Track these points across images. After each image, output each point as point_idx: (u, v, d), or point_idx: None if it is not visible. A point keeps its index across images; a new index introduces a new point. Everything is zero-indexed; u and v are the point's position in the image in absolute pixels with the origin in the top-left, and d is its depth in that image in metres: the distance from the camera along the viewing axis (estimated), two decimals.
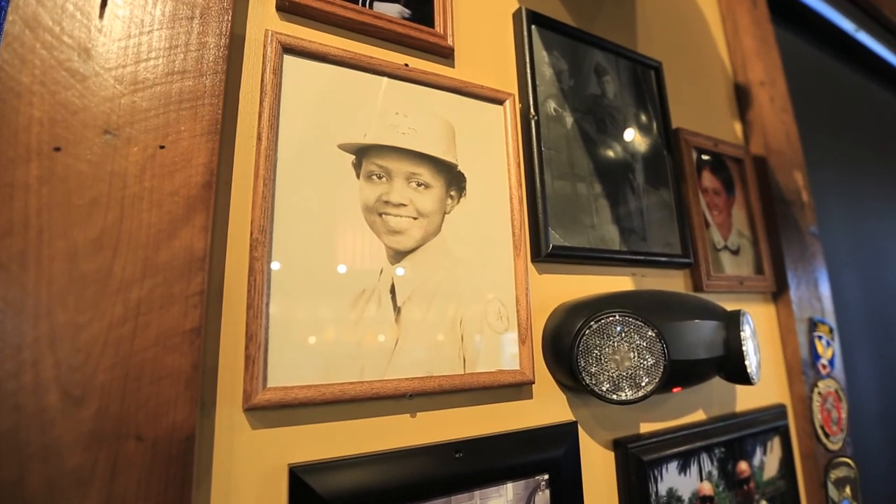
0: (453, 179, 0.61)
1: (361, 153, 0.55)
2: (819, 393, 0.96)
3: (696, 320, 0.67)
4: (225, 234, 0.48)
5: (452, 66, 0.67)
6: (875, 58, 1.82)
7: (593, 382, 0.58)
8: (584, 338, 0.58)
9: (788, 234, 1.02)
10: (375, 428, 0.51)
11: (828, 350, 1.02)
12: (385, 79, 0.59)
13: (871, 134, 1.76)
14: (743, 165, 1.01)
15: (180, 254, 0.41)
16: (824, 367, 1.00)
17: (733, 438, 0.79)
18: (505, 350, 0.59)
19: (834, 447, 0.95)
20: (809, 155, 1.20)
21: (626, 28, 0.92)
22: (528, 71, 0.71)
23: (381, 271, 0.54)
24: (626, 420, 0.70)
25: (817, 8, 1.53)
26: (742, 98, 1.10)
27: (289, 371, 0.47)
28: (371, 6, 0.60)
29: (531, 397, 0.62)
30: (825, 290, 1.07)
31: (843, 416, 1.00)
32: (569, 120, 0.74)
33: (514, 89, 0.72)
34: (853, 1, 1.57)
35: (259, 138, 0.50)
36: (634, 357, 0.59)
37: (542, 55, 0.74)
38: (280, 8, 0.55)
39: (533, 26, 0.74)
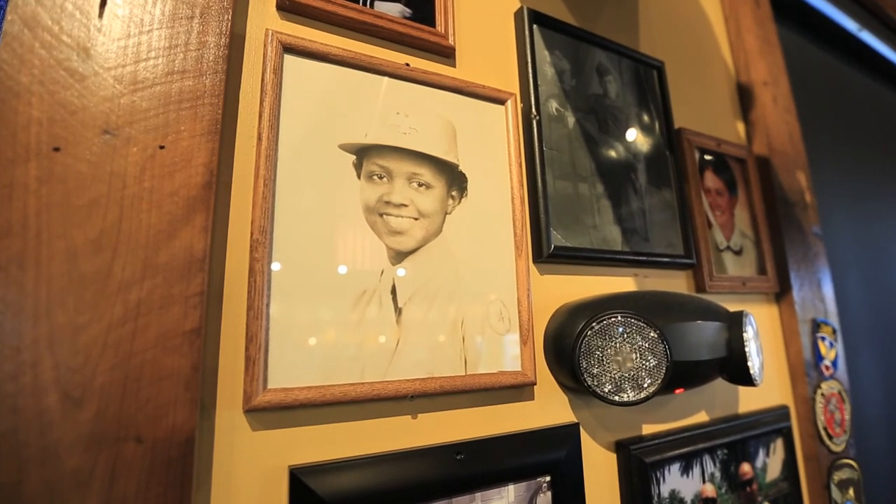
0: (454, 180, 0.61)
1: (362, 153, 0.55)
2: (822, 394, 0.95)
3: (699, 321, 0.67)
4: (225, 235, 0.47)
5: (454, 66, 0.67)
6: (878, 57, 1.82)
7: (595, 384, 0.58)
8: (586, 339, 0.58)
9: (791, 234, 1.02)
10: (376, 429, 0.51)
11: (831, 351, 1.01)
12: (386, 78, 0.59)
13: (875, 134, 1.75)
14: (746, 165, 1.01)
15: (180, 254, 0.41)
16: (827, 368, 0.99)
17: (736, 440, 0.79)
18: (506, 351, 0.59)
19: (837, 449, 0.95)
20: (812, 155, 1.19)
21: (629, 27, 0.91)
22: (530, 70, 0.71)
23: (382, 272, 0.53)
24: (628, 421, 0.70)
25: (820, 7, 1.52)
26: (745, 98, 1.10)
27: (289, 372, 0.46)
28: (372, 5, 0.60)
29: (533, 398, 0.62)
30: (828, 290, 1.07)
31: (847, 417, 1.00)
32: (570, 120, 0.74)
33: (516, 89, 0.71)
34: (856, 0, 1.56)
35: (259, 138, 0.49)
36: (636, 358, 0.59)
37: (543, 55, 0.74)
38: (280, 7, 0.55)
39: (534, 26, 0.73)
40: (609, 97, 0.80)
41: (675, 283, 0.83)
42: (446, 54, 0.66)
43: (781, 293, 0.99)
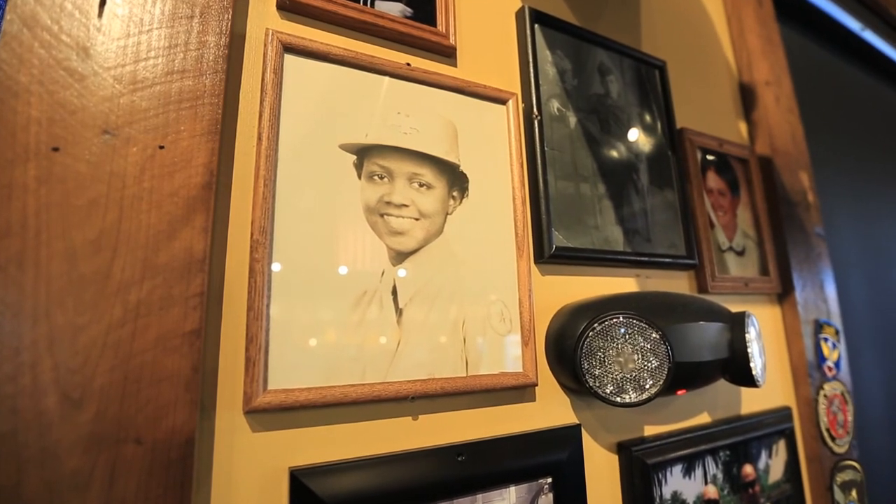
0: (455, 180, 0.61)
1: (363, 153, 0.55)
2: (825, 395, 0.95)
3: (701, 322, 0.66)
4: (225, 236, 0.47)
5: (455, 66, 0.66)
6: (881, 57, 1.81)
7: (597, 385, 0.57)
8: (588, 340, 0.58)
9: (794, 235, 1.01)
10: (377, 431, 0.51)
11: (834, 352, 1.01)
12: (387, 78, 0.59)
13: (878, 134, 1.75)
14: (748, 166, 1.00)
15: (180, 255, 0.41)
16: (830, 369, 0.99)
17: (738, 441, 0.79)
18: (508, 352, 0.59)
19: (840, 450, 0.94)
20: (815, 155, 1.19)
21: (631, 27, 0.91)
22: (531, 70, 0.70)
23: (383, 273, 0.53)
24: (630, 423, 0.70)
25: (823, 7, 1.52)
26: (747, 98, 1.09)
27: (289, 373, 0.46)
28: (373, 5, 0.60)
29: (534, 400, 0.62)
30: (831, 291, 1.06)
31: (849, 418, 0.99)
32: (572, 120, 0.74)
33: (517, 89, 0.71)
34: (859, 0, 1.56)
35: (259, 138, 0.49)
36: (638, 359, 0.58)
37: (545, 54, 0.73)
38: (281, 7, 0.55)
39: (536, 25, 0.73)
40: (611, 97, 0.80)
41: (678, 283, 0.83)
42: (447, 54, 0.66)
43: (784, 294, 0.99)
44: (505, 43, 0.73)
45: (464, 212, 0.60)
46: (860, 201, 1.52)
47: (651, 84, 0.87)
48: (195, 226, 0.42)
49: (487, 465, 0.54)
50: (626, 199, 0.77)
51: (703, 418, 0.79)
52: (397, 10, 0.61)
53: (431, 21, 0.64)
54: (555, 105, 0.72)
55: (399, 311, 0.53)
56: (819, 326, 0.99)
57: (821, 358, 0.98)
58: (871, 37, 1.70)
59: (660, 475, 0.67)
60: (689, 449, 0.72)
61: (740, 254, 0.93)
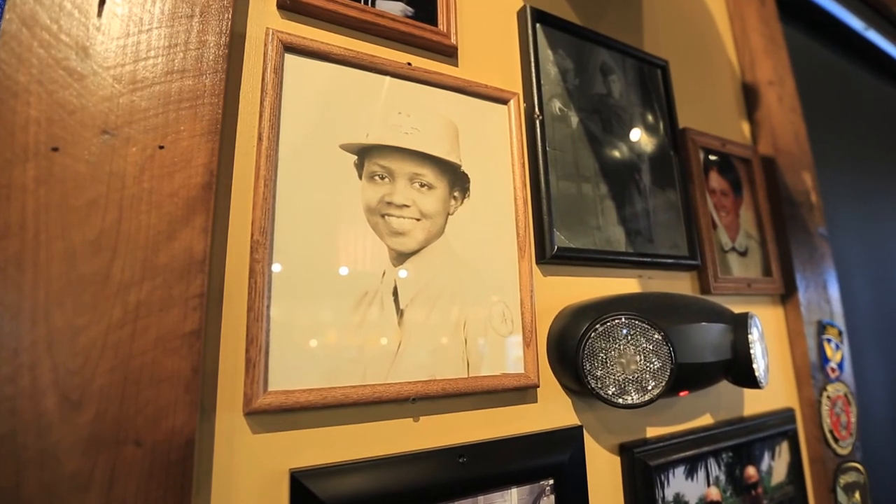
0: (457, 180, 0.60)
1: (364, 153, 0.55)
2: (828, 397, 0.95)
3: (703, 323, 0.66)
4: (225, 236, 0.47)
5: (456, 65, 0.66)
6: (885, 56, 1.80)
7: (599, 386, 0.57)
8: (590, 341, 0.57)
9: (797, 235, 1.01)
10: (378, 432, 0.50)
11: (837, 353, 1.00)
12: (388, 78, 0.58)
13: (881, 134, 1.74)
14: (751, 166, 1.00)
15: (180, 256, 0.41)
16: (833, 370, 0.98)
17: (741, 443, 0.78)
18: (509, 353, 0.59)
19: (843, 452, 0.94)
20: (818, 155, 1.18)
21: (633, 26, 0.90)
22: (533, 70, 0.70)
23: (384, 273, 0.53)
24: (633, 424, 0.69)
25: (826, 6, 1.51)
26: (750, 97, 1.09)
27: (290, 375, 0.46)
28: (373, 4, 0.59)
29: (536, 401, 0.61)
30: (834, 292, 1.06)
31: (853, 420, 0.99)
32: (574, 119, 0.73)
33: (519, 88, 0.71)
34: None
35: (260, 138, 0.49)
36: (641, 360, 0.58)
37: (546, 54, 0.73)
38: (281, 6, 0.55)
39: (538, 24, 0.73)
40: (613, 97, 0.80)
41: (680, 284, 0.82)
42: (448, 53, 0.65)
43: (787, 295, 0.98)
44: (506, 42, 0.72)
45: (465, 212, 0.60)
46: (863, 202, 1.51)
47: (653, 84, 0.87)
48: (195, 226, 0.42)
49: (489, 467, 0.54)
50: (628, 199, 0.76)
51: (706, 420, 0.79)
52: (398, 9, 0.61)
53: (432, 20, 0.63)
54: (556, 105, 0.72)
55: (400, 312, 0.53)
56: (822, 327, 0.99)
57: (824, 359, 0.97)
58: (874, 36, 1.69)
59: (662, 477, 0.67)
60: (692, 451, 0.71)
61: (743, 254, 0.92)
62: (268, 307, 0.46)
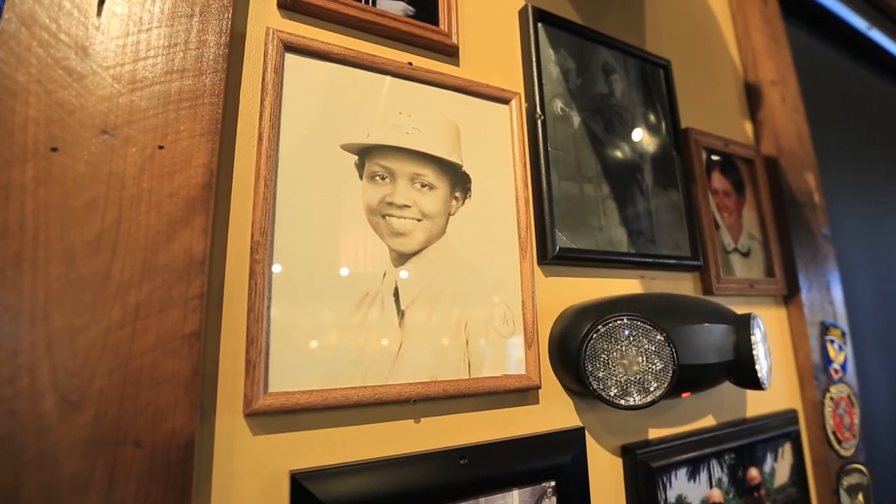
0: (458, 180, 0.60)
1: (364, 153, 0.55)
2: (831, 398, 0.94)
3: (706, 324, 0.66)
4: (225, 237, 0.47)
5: (457, 65, 0.66)
6: (888, 56, 1.79)
7: (601, 387, 0.57)
8: (592, 342, 0.57)
9: (800, 236, 1.00)
10: (378, 434, 0.50)
11: (840, 354, 1.00)
12: (388, 78, 0.58)
13: (885, 134, 1.73)
14: (753, 166, 0.99)
15: (179, 256, 0.41)
16: (836, 371, 0.98)
17: (743, 444, 0.78)
18: (511, 354, 0.58)
19: (846, 453, 0.93)
20: (821, 155, 1.18)
21: (635, 26, 0.90)
22: (535, 69, 0.70)
23: (385, 274, 0.53)
24: (635, 426, 0.69)
25: (829, 5, 1.50)
26: (753, 97, 1.08)
27: (290, 376, 0.46)
28: (374, 4, 0.59)
29: (537, 402, 0.61)
30: (837, 293, 1.05)
31: (856, 421, 0.98)
32: (576, 119, 0.73)
33: (520, 88, 0.70)
34: None
35: (260, 138, 0.49)
36: (643, 361, 0.58)
37: (548, 53, 0.73)
38: (281, 5, 0.54)
39: (539, 24, 0.72)
40: (615, 96, 0.79)
41: (682, 285, 0.82)
42: (450, 53, 0.65)
43: (790, 295, 0.98)
44: (508, 42, 0.72)
45: (466, 212, 0.60)
46: (867, 202, 1.51)
47: (655, 83, 0.86)
48: (195, 227, 0.42)
49: (490, 469, 0.53)
50: (630, 199, 0.76)
51: (708, 421, 0.78)
52: (399, 8, 0.61)
53: (434, 20, 0.63)
54: (558, 105, 0.71)
55: (401, 313, 0.53)
56: (825, 328, 0.98)
57: (827, 360, 0.97)
58: (877, 35, 1.68)
59: (664, 478, 0.67)
60: (694, 452, 0.71)
61: (745, 255, 0.92)
62: (268, 308, 0.46)
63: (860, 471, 0.95)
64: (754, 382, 0.68)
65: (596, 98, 0.77)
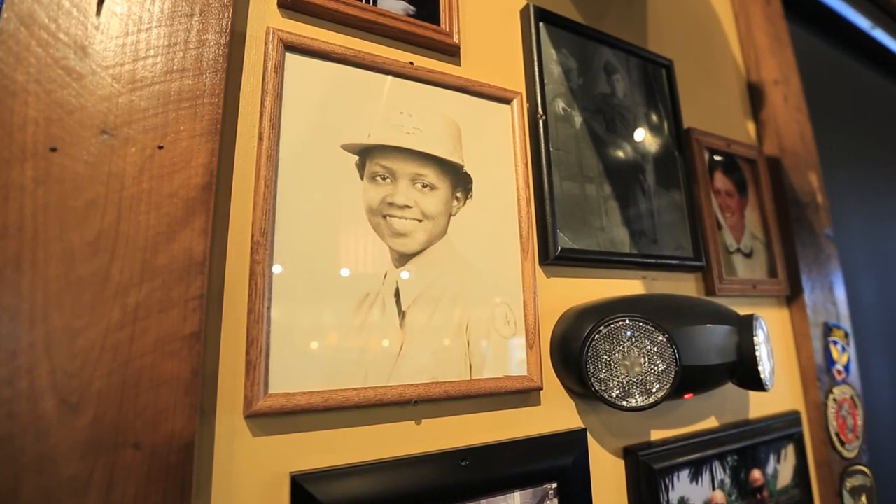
0: (459, 180, 0.60)
1: (365, 153, 0.54)
2: (834, 399, 0.94)
3: (708, 325, 0.65)
4: (225, 237, 0.47)
5: (458, 65, 0.66)
6: (891, 55, 1.79)
7: (603, 388, 0.57)
8: (594, 343, 0.57)
9: (803, 236, 1.00)
10: (379, 435, 0.50)
11: (843, 355, 0.99)
12: (389, 77, 0.58)
13: (888, 133, 1.72)
14: (756, 166, 0.99)
15: (179, 257, 0.41)
16: (839, 372, 0.97)
17: (746, 446, 0.78)
18: (512, 355, 0.58)
19: (849, 455, 0.93)
20: (824, 155, 1.17)
21: (637, 25, 0.90)
22: (536, 69, 0.69)
23: (386, 275, 0.52)
24: (637, 427, 0.69)
25: (832, 4, 1.50)
26: (755, 97, 1.08)
27: (291, 377, 0.46)
28: (375, 3, 0.59)
29: (539, 404, 0.61)
30: (840, 293, 1.05)
31: (859, 423, 0.98)
32: (577, 119, 0.73)
33: (522, 88, 0.70)
34: None
35: (260, 138, 0.49)
36: (645, 362, 0.57)
37: (550, 53, 0.72)
38: (282, 5, 0.54)
39: (541, 23, 0.72)
40: (617, 96, 0.79)
41: (684, 285, 0.82)
42: (451, 53, 0.65)
43: (793, 296, 0.97)
44: (509, 41, 0.72)
45: (468, 213, 0.59)
46: (870, 202, 1.50)
47: (658, 83, 0.86)
48: (195, 227, 0.41)
49: (492, 470, 0.53)
50: (632, 200, 0.76)
51: (711, 423, 0.78)
52: (400, 8, 0.61)
53: (435, 19, 0.63)
54: (560, 104, 0.71)
55: (402, 314, 0.52)
56: (828, 329, 0.98)
57: (830, 361, 0.96)
58: (881, 35, 1.67)
59: (666, 480, 0.66)
60: (697, 454, 0.71)
61: (748, 255, 0.91)
62: (268, 309, 0.46)
63: (863, 472, 0.94)
64: (757, 384, 0.67)
65: (598, 98, 0.76)
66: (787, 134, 1.06)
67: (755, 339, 0.67)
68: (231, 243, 0.47)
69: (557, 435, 0.60)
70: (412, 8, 0.61)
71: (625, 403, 0.57)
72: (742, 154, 0.97)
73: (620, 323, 0.57)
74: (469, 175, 0.61)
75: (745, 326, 0.68)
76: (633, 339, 0.58)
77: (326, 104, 0.53)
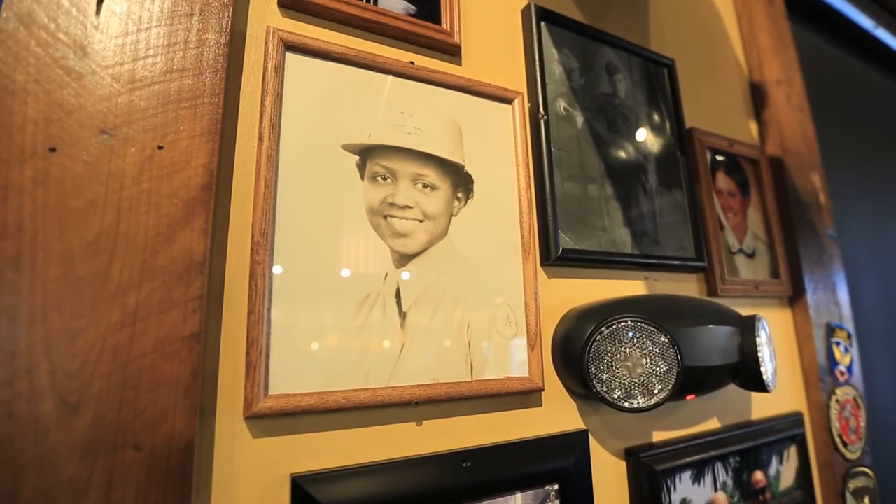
0: (460, 181, 0.60)
1: (366, 154, 0.54)
2: (837, 400, 0.93)
3: (710, 326, 0.65)
4: (225, 238, 0.47)
5: (459, 64, 0.65)
6: (894, 55, 1.78)
7: (604, 390, 0.56)
8: (595, 344, 0.57)
9: (805, 236, 0.99)
10: (380, 436, 0.50)
11: (846, 356, 0.99)
12: (390, 77, 0.58)
13: (891, 133, 1.72)
14: (758, 166, 0.99)
15: (179, 257, 0.40)
16: (842, 373, 0.97)
17: (748, 447, 0.77)
18: (513, 356, 0.58)
19: (852, 456, 0.92)
20: (827, 155, 1.17)
21: (639, 25, 0.89)
22: (538, 69, 0.69)
23: (386, 275, 0.52)
24: (639, 428, 0.68)
25: (835, 4, 1.49)
26: (758, 97, 1.08)
27: (291, 378, 0.45)
28: (376, 2, 0.59)
29: (540, 405, 0.61)
30: (843, 294, 1.04)
31: (862, 424, 0.97)
32: (579, 119, 0.72)
33: (523, 88, 0.70)
34: None
35: (260, 138, 0.48)
36: (647, 363, 0.57)
37: (551, 52, 0.72)
38: (282, 4, 0.54)
39: (542, 23, 0.72)
40: (619, 96, 0.79)
41: (686, 286, 0.81)
42: (452, 52, 0.64)
43: (795, 297, 0.97)
44: (510, 41, 0.71)
45: (469, 213, 0.59)
46: (873, 202, 1.50)
47: (659, 83, 0.85)
48: (195, 227, 0.41)
49: (493, 472, 0.53)
50: (634, 200, 0.75)
51: (713, 424, 0.77)
52: (401, 7, 0.60)
53: (436, 19, 0.63)
54: (561, 104, 0.71)
55: (403, 315, 0.52)
56: (831, 330, 0.97)
57: (833, 362, 0.96)
58: (883, 35, 1.67)
59: (668, 482, 0.66)
60: (699, 455, 0.70)
61: (750, 256, 0.91)
62: (268, 310, 0.46)
63: (866, 474, 0.94)
64: (759, 385, 0.67)
65: (599, 98, 0.76)
66: (789, 134, 1.05)
67: (757, 339, 0.66)
68: (231, 244, 0.47)
69: (559, 436, 0.59)
70: (413, 7, 0.61)
71: (627, 405, 0.56)
72: (744, 154, 0.97)
73: (622, 324, 0.57)
74: (470, 175, 0.60)
75: (747, 327, 0.68)
76: (635, 340, 0.57)
77: (327, 104, 0.53)
